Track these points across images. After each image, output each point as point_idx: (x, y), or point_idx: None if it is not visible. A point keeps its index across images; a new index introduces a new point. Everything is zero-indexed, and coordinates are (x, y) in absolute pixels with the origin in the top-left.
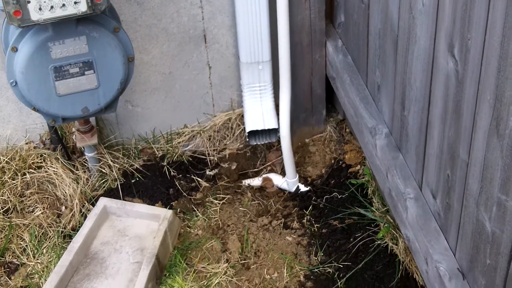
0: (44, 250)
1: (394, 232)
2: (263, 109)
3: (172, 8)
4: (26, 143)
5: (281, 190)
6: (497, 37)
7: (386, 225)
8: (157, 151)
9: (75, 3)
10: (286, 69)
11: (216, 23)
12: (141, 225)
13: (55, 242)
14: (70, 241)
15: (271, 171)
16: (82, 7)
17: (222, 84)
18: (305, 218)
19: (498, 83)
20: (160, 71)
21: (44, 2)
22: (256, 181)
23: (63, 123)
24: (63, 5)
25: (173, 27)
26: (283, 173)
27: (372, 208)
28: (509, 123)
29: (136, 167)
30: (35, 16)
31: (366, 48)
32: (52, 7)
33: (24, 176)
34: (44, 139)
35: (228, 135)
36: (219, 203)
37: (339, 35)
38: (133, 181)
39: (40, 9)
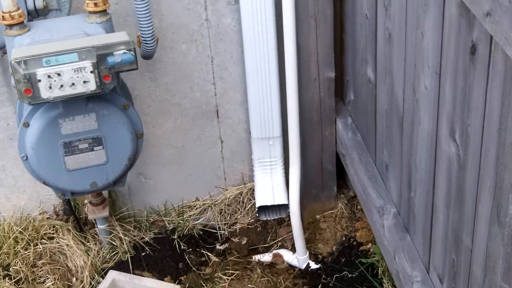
0: None
1: None
2: (273, 184)
3: (186, 84)
4: (40, 214)
5: (291, 267)
6: (495, 125)
7: None
8: (168, 224)
9: (84, 82)
10: (295, 146)
11: (228, 99)
12: None
13: None
14: None
15: (281, 247)
16: (91, 86)
17: (234, 158)
18: None
19: (498, 170)
20: (172, 144)
21: (54, 81)
22: (267, 257)
23: (72, 197)
24: (73, 84)
25: (186, 102)
26: (293, 249)
27: None
28: (509, 211)
29: (147, 239)
30: (45, 94)
31: (374, 127)
32: (62, 85)
33: (37, 247)
34: (57, 209)
35: (239, 209)
36: (228, 279)
37: (349, 113)
38: (143, 254)
39: (50, 87)
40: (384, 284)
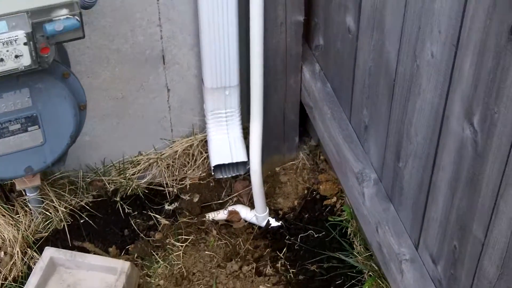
0: None
1: (381, 282)
2: (230, 139)
3: (126, 27)
4: None
5: (249, 225)
6: None
7: (371, 274)
8: (109, 184)
9: (16, 56)
10: (258, 97)
11: (176, 43)
12: (95, 279)
13: None
14: None
15: (238, 202)
16: (25, 61)
17: (182, 108)
18: (279, 262)
19: None
20: (111, 95)
21: None
22: (221, 215)
23: (3, 183)
24: (1, 60)
25: (126, 47)
26: (251, 204)
27: (353, 252)
28: None
29: (86, 202)
30: None
31: (352, 82)
32: None
33: None
34: None
35: (188, 163)
36: (181, 246)
37: (316, 59)
38: (82, 221)
39: None
40: (355, 247)
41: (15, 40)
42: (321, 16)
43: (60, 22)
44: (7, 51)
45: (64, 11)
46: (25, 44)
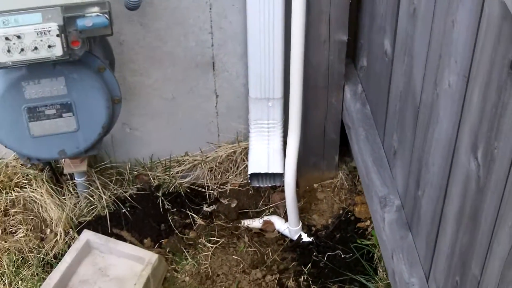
0: (20, 282)
1: None
2: (269, 150)
3: (179, 31)
4: (15, 158)
5: (281, 237)
6: None
7: None
8: (153, 179)
9: (49, 46)
10: (296, 112)
11: (227, 51)
12: (124, 266)
13: (34, 271)
14: (51, 271)
15: (274, 213)
16: (57, 52)
17: (229, 115)
18: (303, 276)
19: None
20: (162, 96)
21: (14, 44)
22: (256, 223)
23: (39, 163)
24: (35, 48)
25: (179, 51)
26: (286, 216)
27: (375, 277)
28: None
29: (129, 195)
30: (2, 58)
31: (386, 105)
32: (22, 49)
33: (8, 195)
34: None
35: (231, 168)
36: (212, 247)
37: (360, 79)
38: (123, 210)
39: (8, 51)
40: (378, 272)
41: (49, 31)
42: (366, 37)
43: (91, 18)
44: (41, 40)
45: (96, 9)
46: (57, 35)
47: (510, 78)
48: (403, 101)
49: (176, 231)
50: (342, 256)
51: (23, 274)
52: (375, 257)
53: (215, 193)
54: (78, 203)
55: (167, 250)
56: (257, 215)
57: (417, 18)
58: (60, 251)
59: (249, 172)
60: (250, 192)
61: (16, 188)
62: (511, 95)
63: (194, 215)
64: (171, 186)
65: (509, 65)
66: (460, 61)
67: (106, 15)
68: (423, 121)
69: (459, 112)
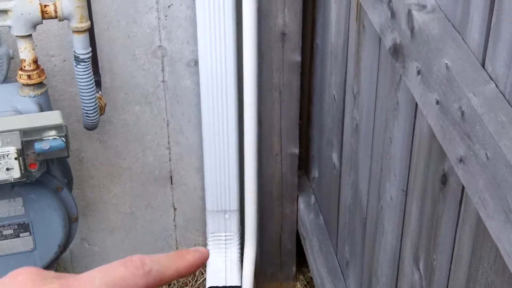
0: None
1: None
2: (227, 262)
3: (138, 148)
4: None
5: None
6: (463, 274)
7: None
8: None
9: (8, 169)
10: (252, 223)
11: (184, 165)
12: None
13: None
14: None
15: None
16: (15, 174)
17: (187, 227)
18: None
19: None
20: (120, 210)
21: None
22: None
23: None
24: None
25: (137, 166)
26: None
27: None
28: None
29: None
30: None
31: (337, 216)
32: None
33: None
34: None
35: (190, 282)
36: None
37: (313, 190)
38: None
39: None
40: None
41: (7, 155)
42: (316, 150)
43: (48, 141)
44: (0, 164)
45: (53, 132)
46: (15, 158)
47: (442, 192)
48: (352, 213)
49: None
50: None
51: None
52: None
53: None
54: None
55: None
56: None
57: (359, 133)
58: None
59: (207, 286)
60: None
61: None
62: (444, 209)
63: None
64: None
65: (440, 179)
66: (398, 175)
67: (63, 138)
68: (371, 232)
69: (400, 224)
